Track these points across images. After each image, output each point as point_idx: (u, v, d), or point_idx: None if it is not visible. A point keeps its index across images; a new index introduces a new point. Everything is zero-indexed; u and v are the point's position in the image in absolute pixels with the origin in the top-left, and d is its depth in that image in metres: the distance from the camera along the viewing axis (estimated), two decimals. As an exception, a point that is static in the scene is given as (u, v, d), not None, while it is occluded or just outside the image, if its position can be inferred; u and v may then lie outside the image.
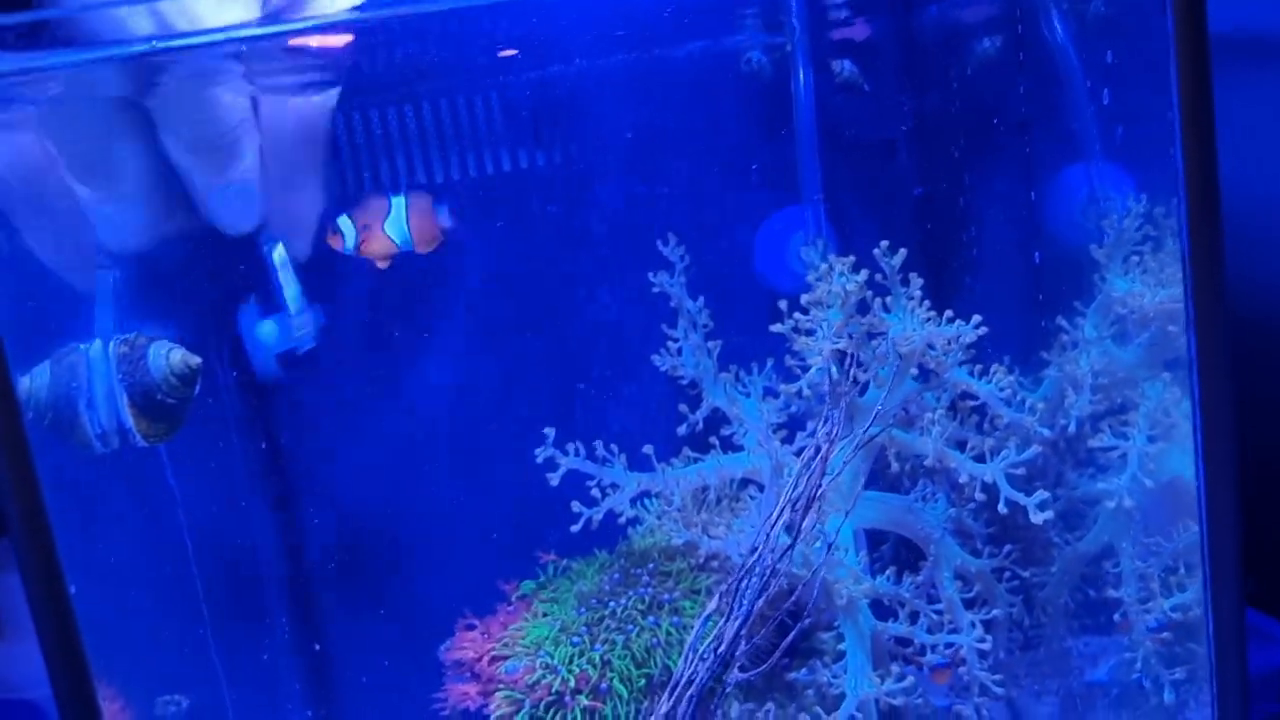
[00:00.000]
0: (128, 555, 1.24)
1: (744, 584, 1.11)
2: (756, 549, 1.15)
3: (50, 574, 0.77)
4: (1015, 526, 1.31)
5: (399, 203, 1.22)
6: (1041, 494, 1.14)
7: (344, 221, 1.22)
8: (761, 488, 1.30)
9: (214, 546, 1.30)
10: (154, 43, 0.82)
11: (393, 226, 1.22)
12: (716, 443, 1.31)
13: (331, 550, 1.46)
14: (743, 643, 1.06)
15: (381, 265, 1.24)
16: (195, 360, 1.01)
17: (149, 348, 1.00)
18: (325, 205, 1.18)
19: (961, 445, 1.23)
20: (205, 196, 1.03)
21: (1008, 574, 1.28)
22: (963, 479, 1.19)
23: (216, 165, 1.02)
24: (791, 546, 1.07)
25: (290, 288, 1.20)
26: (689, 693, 1.09)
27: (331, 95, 1.08)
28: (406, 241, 1.22)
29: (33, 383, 0.97)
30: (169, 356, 1.01)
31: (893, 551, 1.39)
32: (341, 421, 1.43)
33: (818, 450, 1.10)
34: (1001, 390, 1.18)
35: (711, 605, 1.15)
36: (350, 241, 1.22)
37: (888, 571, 1.24)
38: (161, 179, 1.03)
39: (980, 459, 1.20)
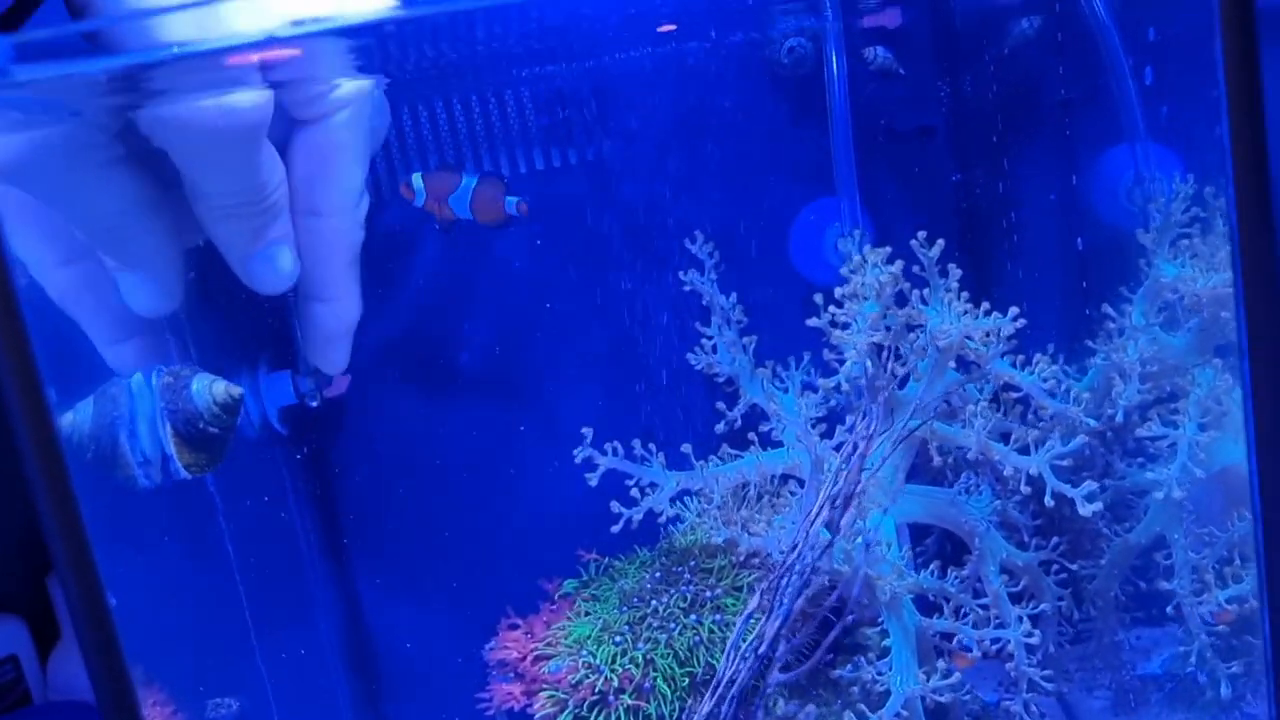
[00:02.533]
0: (175, 563, 1.26)
1: (785, 582, 1.09)
2: (797, 546, 1.14)
3: (90, 587, 0.78)
4: (1062, 518, 1.28)
5: (469, 183, 1.24)
6: (1089, 485, 1.11)
7: (416, 180, 1.24)
8: (802, 484, 1.28)
9: (257, 550, 1.31)
10: (174, 48, 0.81)
11: (457, 203, 1.24)
12: (755, 439, 1.30)
13: (375, 550, 1.46)
14: (783, 642, 1.05)
15: (443, 226, 1.26)
16: (237, 391, 1.02)
17: (192, 379, 1.02)
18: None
19: (1005, 437, 1.21)
20: (243, 260, 1.01)
21: (1055, 567, 1.26)
22: (1007, 471, 1.17)
23: (256, 229, 0.98)
24: (832, 543, 1.06)
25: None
26: (731, 692, 1.08)
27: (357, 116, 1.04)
28: (466, 214, 1.25)
29: (75, 416, 0.98)
30: (212, 387, 1.02)
31: (936, 546, 1.37)
32: (382, 421, 1.44)
33: (856, 445, 1.08)
34: (1045, 381, 1.16)
35: (753, 603, 1.14)
36: (419, 200, 1.25)
37: (932, 566, 1.22)
38: (182, 239, 1.01)
39: (1025, 451, 1.18)
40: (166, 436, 0.98)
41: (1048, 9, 1.31)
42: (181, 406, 0.99)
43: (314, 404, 1.27)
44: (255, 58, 0.86)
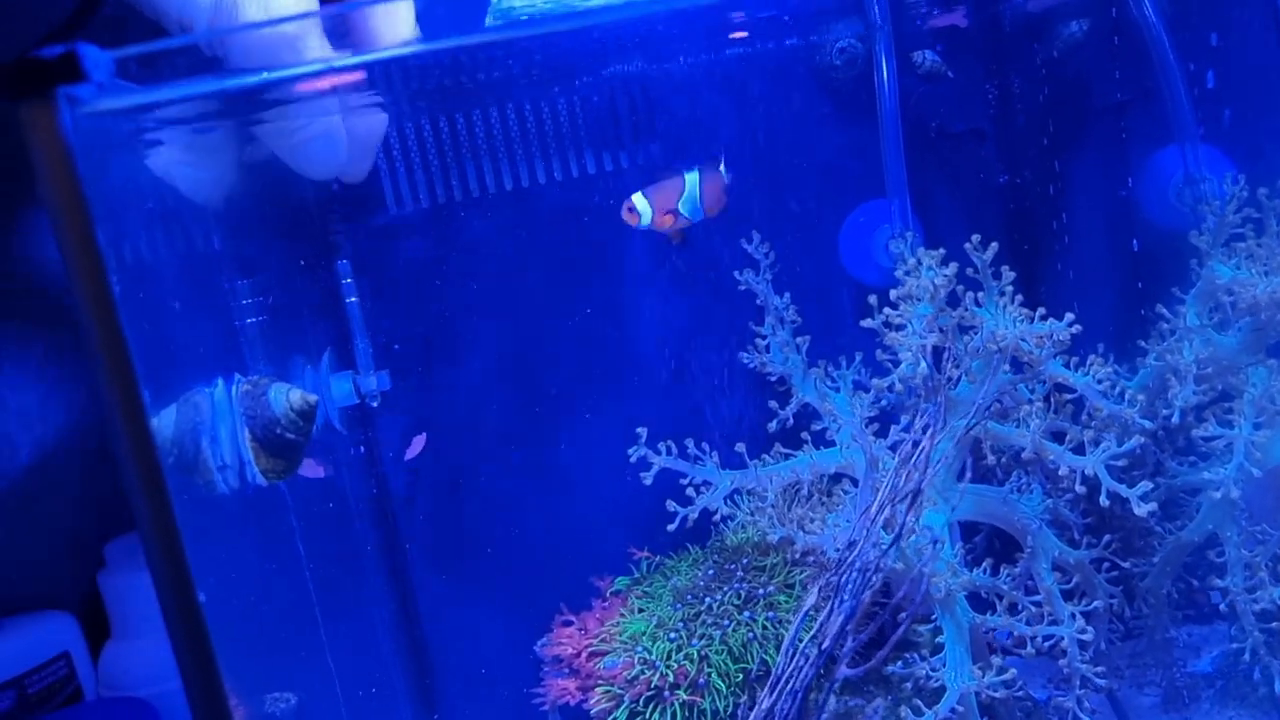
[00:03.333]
0: (237, 558, 1.28)
1: (845, 579, 1.11)
2: (855, 543, 1.15)
3: (183, 584, 0.80)
4: (1113, 516, 1.29)
5: (693, 179, 1.25)
6: (1145, 485, 1.12)
7: (639, 200, 1.25)
8: (855, 482, 1.30)
9: (318, 546, 1.33)
10: (264, 74, 0.84)
11: (687, 204, 1.25)
12: (808, 438, 1.31)
13: (430, 548, 1.49)
14: (849, 638, 1.06)
15: (675, 240, 1.27)
16: (313, 398, 1.05)
17: (270, 387, 1.05)
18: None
19: (1058, 437, 1.22)
20: (290, 144, 1.05)
21: (1107, 564, 1.27)
22: (1062, 471, 1.18)
23: (294, 129, 1.04)
24: (896, 540, 1.07)
25: (365, 347, 1.26)
26: (791, 687, 1.09)
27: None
28: (698, 214, 1.26)
29: (159, 422, 1.00)
30: (289, 395, 1.05)
31: (986, 544, 1.38)
32: (440, 423, 1.46)
33: (916, 444, 1.10)
34: (1099, 382, 1.17)
35: (810, 600, 1.15)
36: (646, 219, 1.25)
37: (985, 564, 1.23)
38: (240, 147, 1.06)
39: (1079, 451, 1.19)
40: (245, 442, 1.01)
41: (1098, 12, 1.32)
42: (260, 413, 1.02)
43: (375, 404, 1.29)
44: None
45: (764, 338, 1.34)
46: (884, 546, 1.09)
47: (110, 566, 1.59)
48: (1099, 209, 1.38)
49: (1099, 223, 1.38)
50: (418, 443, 1.39)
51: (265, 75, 0.81)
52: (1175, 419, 1.18)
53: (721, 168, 1.25)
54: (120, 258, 0.83)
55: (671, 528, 1.29)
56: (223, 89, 0.86)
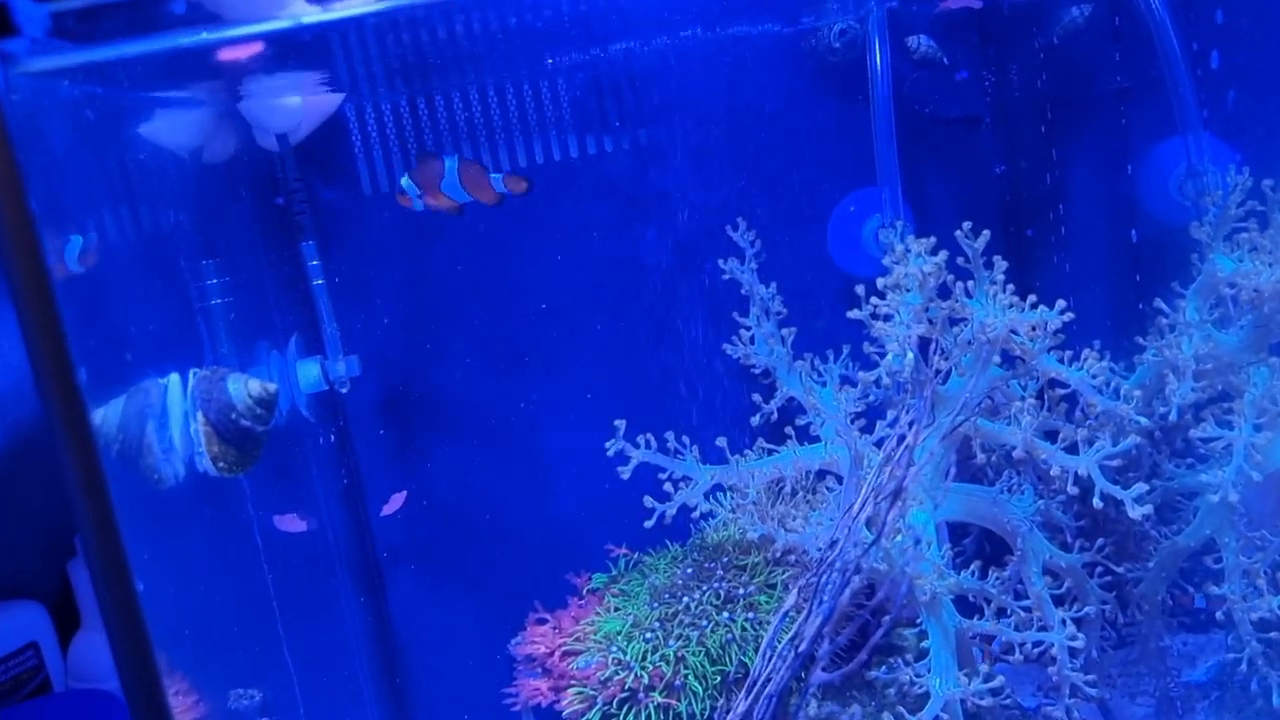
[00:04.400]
0: (200, 552, 1.24)
1: (824, 579, 1.06)
2: (836, 543, 1.11)
3: (119, 574, 0.76)
4: (1107, 519, 1.25)
5: (451, 164, 1.22)
6: (1140, 487, 1.08)
7: (406, 182, 1.23)
8: (839, 480, 1.25)
9: (282, 540, 1.29)
10: (203, 34, 0.80)
11: (448, 186, 1.22)
12: (792, 433, 1.27)
13: (400, 542, 1.45)
14: (826, 641, 1.02)
15: (454, 213, 1.24)
16: (273, 386, 1.01)
17: (228, 375, 1.01)
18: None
19: (1051, 435, 1.18)
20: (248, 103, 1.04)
21: (1099, 569, 1.22)
22: (1054, 471, 1.13)
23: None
24: (876, 540, 1.03)
25: (333, 332, 1.22)
26: (768, 691, 1.05)
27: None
28: (465, 197, 1.23)
29: (106, 411, 0.96)
30: (248, 384, 1.01)
31: (975, 546, 1.34)
32: (412, 416, 1.42)
33: (900, 440, 1.05)
34: (1094, 377, 1.12)
35: (790, 601, 1.11)
36: (417, 202, 1.22)
37: (973, 566, 1.19)
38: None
39: (1072, 450, 1.14)
40: (197, 426, 0.97)
41: (1099, -2, 1.28)
42: (216, 396, 0.98)
43: (344, 390, 1.25)
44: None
45: (748, 329, 1.29)
46: (865, 546, 1.04)
47: (82, 556, 1.54)
48: (1097, 200, 1.34)
49: (1097, 214, 1.34)
50: (396, 500, 1.37)
51: (209, 34, 0.77)
52: (1173, 416, 1.14)
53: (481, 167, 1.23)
54: (64, 231, 0.79)
55: (649, 524, 1.25)
56: (174, 48, 0.81)
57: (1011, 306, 1.10)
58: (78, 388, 0.71)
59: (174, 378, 0.99)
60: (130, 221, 1.04)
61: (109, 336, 0.90)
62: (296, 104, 1.09)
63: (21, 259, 0.72)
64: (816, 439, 1.27)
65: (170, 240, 1.11)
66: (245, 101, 1.04)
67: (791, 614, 1.11)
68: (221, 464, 0.99)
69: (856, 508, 1.05)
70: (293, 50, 0.97)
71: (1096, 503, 1.10)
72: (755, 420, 1.29)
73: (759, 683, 1.08)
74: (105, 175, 0.99)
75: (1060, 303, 1.08)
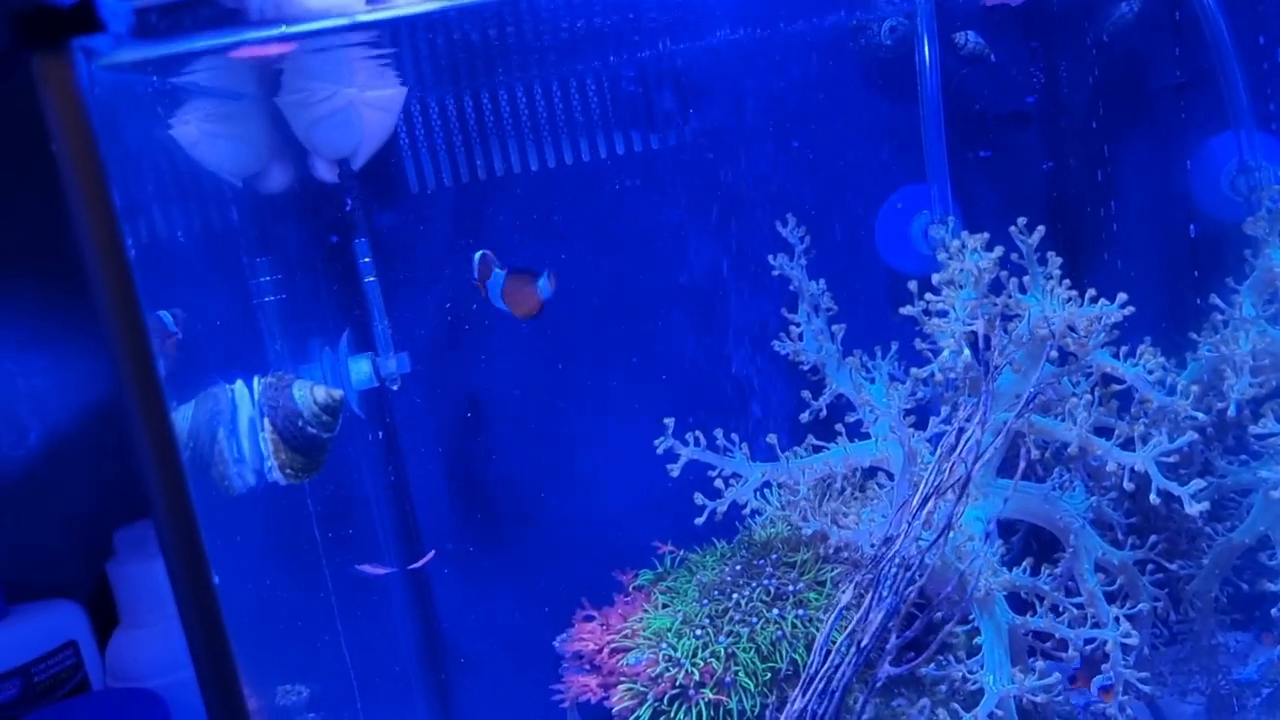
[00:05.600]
0: (251, 546, 1.24)
1: (882, 574, 1.06)
2: (893, 539, 1.10)
3: (198, 570, 0.76)
4: (1158, 516, 1.24)
5: (499, 276, 1.22)
6: (1197, 483, 1.07)
7: (477, 257, 1.22)
8: (890, 476, 1.25)
9: (335, 535, 1.30)
10: (283, 27, 0.80)
11: (492, 291, 1.22)
12: (842, 430, 1.27)
13: (448, 538, 1.45)
14: (893, 636, 1.01)
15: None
16: (339, 393, 1.02)
17: (294, 382, 1.02)
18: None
19: (1102, 431, 1.17)
20: (307, 118, 1.03)
21: (1151, 566, 1.22)
22: (1110, 468, 1.13)
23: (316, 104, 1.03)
24: (945, 532, 1.02)
25: (385, 329, 1.22)
26: (827, 687, 1.05)
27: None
28: (503, 307, 1.23)
29: (175, 416, 0.96)
30: (313, 390, 1.02)
31: (1023, 543, 1.33)
32: (457, 408, 1.42)
33: (960, 435, 1.05)
34: (1150, 373, 1.12)
35: (845, 597, 1.10)
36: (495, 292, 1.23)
37: (1025, 563, 1.18)
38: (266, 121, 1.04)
39: (1127, 446, 1.14)
40: (265, 435, 0.97)
41: (1150, -10, 1.27)
42: (282, 404, 0.98)
43: (395, 387, 1.25)
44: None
45: (797, 325, 1.29)
46: (925, 542, 1.04)
47: (120, 555, 1.55)
48: (1148, 196, 1.33)
49: (1148, 211, 1.33)
50: (425, 558, 1.38)
51: (286, 29, 0.77)
52: (1232, 411, 1.13)
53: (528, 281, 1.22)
54: (136, 230, 0.79)
55: (699, 521, 1.25)
56: (242, 40, 0.82)
57: (1070, 300, 1.10)
58: (158, 384, 0.71)
59: (240, 385, 1.00)
60: (194, 217, 1.04)
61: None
62: (356, 127, 1.09)
63: (104, 253, 0.72)
64: (866, 436, 1.27)
65: (229, 237, 1.12)
66: (308, 128, 1.05)
67: (846, 611, 1.11)
68: (289, 471, 0.99)
69: (916, 503, 1.04)
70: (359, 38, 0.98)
71: (1154, 499, 1.09)
72: (804, 417, 1.29)
73: (816, 679, 1.08)
74: (173, 168, 0.99)
75: (1121, 296, 1.07)
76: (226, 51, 0.85)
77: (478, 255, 1.22)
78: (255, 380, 1.01)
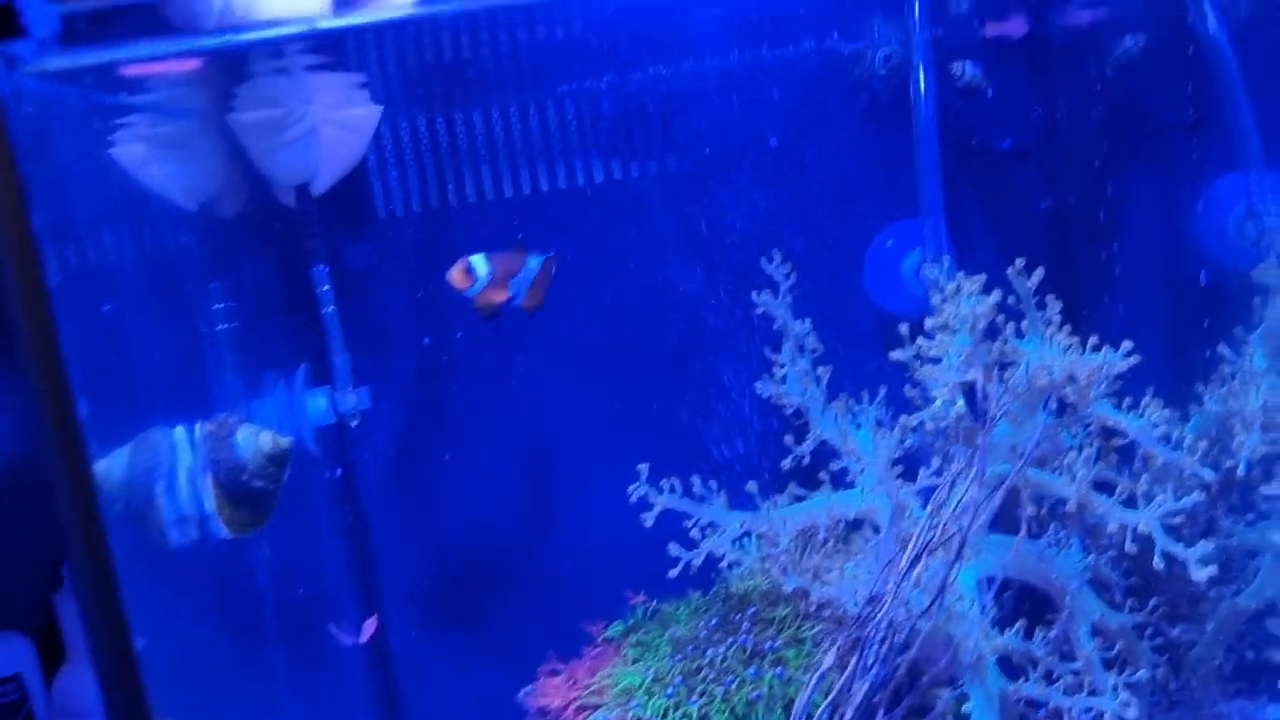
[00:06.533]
0: (200, 598, 1.17)
1: (866, 637, 0.99)
2: (879, 598, 1.03)
3: (116, 634, 0.69)
4: (1158, 577, 1.17)
5: (535, 262, 1.13)
6: (1205, 546, 1.01)
7: (479, 261, 1.12)
8: (876, 529, 1.18)
9: (287, 583, 1.22)
10: (227, 36, 0.74)
11: (520, 282, 1.13)
12: (826, 478, 1.20)
13: (407, 585, 1.37)
14: (880, 712, 0.94)
15: (484, 314, 1.15)
16: (286, 441, 0.94)
17: (238, 429, 0.94)
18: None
19: (1102, 486, 1.11)
20: (267, 145, 0.98)
21: (1150, 630, 1.15)
22: (1111, 527, 1.06)
23: (277, 128, 0.96)
24: (937, 600, 0.95)
25: (344, 362, 1.15)
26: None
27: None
28: (520, 297, 1.14)
29: (111, 463, 0.89)
30: (259, 438, 0.94)
31: (1014, 601, 1.26)
32: (420, 454, 1.35)
33: (951, 489, 0.98)
34: (1155, 427, 1.05)
35: (828, 660, 1.03)
36: (479, 285, 1.13)
37: (1017, 625, 1.11)
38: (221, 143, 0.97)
39: (1129, 503, 1.07)
40: (207, 490, 0.89)
41: (1157, 27, 1.22)
42: (225, 456, 0.91)
43: (354, 424, 1.18)
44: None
45: (781, 366, 1.22)
46: (914, 605, 0.97)
47: (70, 588, 1.48)
48: (1149, 239, 1.28)
49: (1149, 253, 1.28)
50: (369, 626, 1.30)
51: (233, 37, 0.70)
52: (1241, 470, 1.07)
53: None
54: (63, 255, 0.72)
55: (674, 574, 1.17)
56: (192, 49, 0.75)
57: (1070, 349, 1.03)
58: (77, 425, 0.64)
59: (181, 432, 0.92)
60: (136, 240, 0.97)
61: (112, 369, 0.84)
62: (314, 154, 1.02)
63: (20, 280, 0.65)
64: (851, 485, 1.20)
65: (176, 262, 1.05)
66: (265, 155, 0.98)
67: (828, 674, 1.04)
68: (234, 526, 0.92)
69: (904, 564, 0.97)
70: (319, 52, 0.91)
71: (1157, 563, 1.03)
72: (786, 463, 1.22)
73: (795, 751, 1.00)
74: (109, 188, 0.92)
75: (1126, 344, 1.01)
76: (165, 61, 0.78)
77: (478, 259, 1.12)
78: (197, 427, 0.93)
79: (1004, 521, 1.18)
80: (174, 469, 0.88)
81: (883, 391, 1.22)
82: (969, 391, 1.10)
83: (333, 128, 1.10)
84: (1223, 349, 1.13)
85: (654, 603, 1.30)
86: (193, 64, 0.83)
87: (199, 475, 0.90)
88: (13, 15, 0.64)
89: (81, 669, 1.48)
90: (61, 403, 0.68)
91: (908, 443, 1.18)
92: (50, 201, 0.65)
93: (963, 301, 1.07)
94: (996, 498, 1.04)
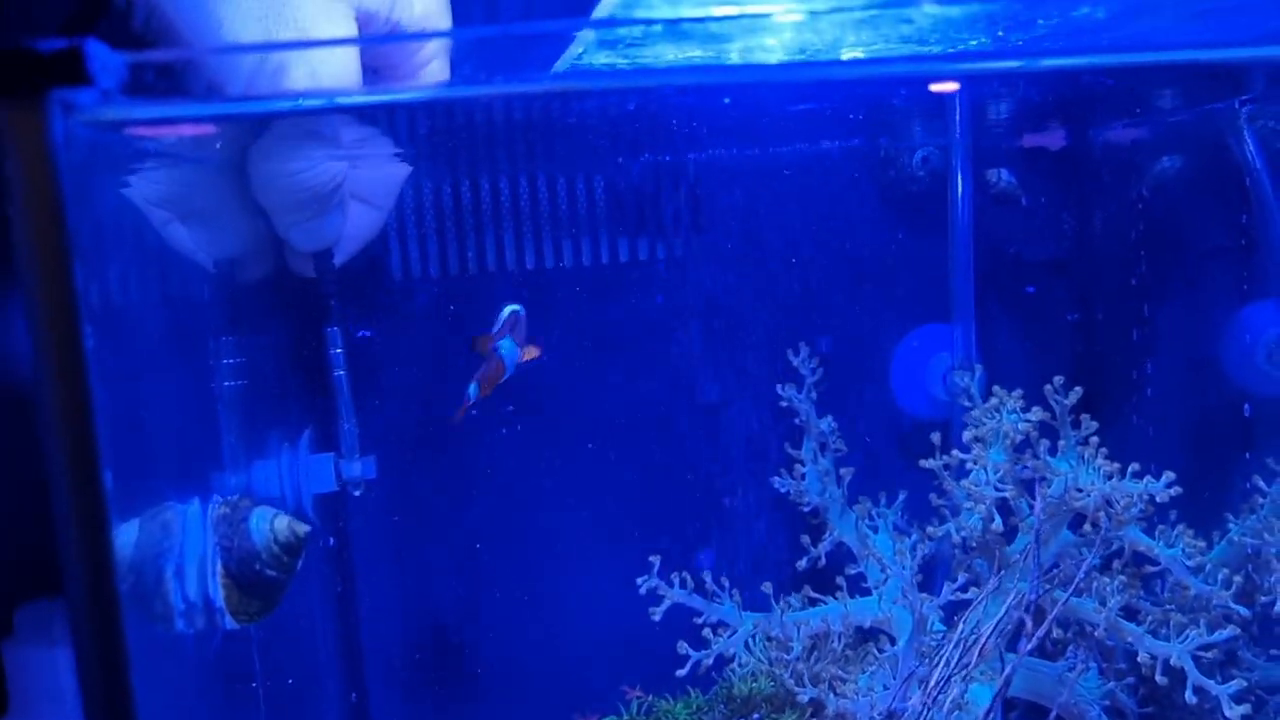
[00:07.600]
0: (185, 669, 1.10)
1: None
2: (897, 716, 1.00)
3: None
4: (1172, 706, 1.15)
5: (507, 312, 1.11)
6: (1239, 683, 0.98)
7: (506, 344, 1.10)
8: (891, 640, 1.14)
9: (275, 661, 1.15)
10: (300, 100, 0.70)
11: (508, 354, 1.10)
12: (843, 583, 1.16)
13: (394, 669, 1.31)
14: None
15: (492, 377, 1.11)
16: (302, 529, 0.89)
17: (251, 513, 0.88)
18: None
19: (1128, 613, 1.09)
20: (289, 220, 0.97)
21: (1164, 763, 1.12)
22: (1141, 658, 1.03)
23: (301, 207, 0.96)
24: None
25: (352, 428, 1.10)
26: None
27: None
28: (515, 357, 1.11)
29: (119, 538, 0.83)
30: (273, 524, 0.88)
31: (1021, 722, 1.23)
32: (417, 529, 1.29)
33: (985, 604, 0.95)
34: (1189, 558, 1.03)
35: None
36: (509, 358, 1.10)
37: (1034, 753, 1.08)
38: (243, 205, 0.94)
39: (1156, 632, 1.05)
40: (216, 580, 0.84)
41: (1195, 149, 1.22)
42: (237, 544, 0.85)
43: (358, 493, 1.12)
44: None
45: (801, 463, 1.19)
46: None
47: (19, 634, 1.40)
48: (1176, 361, 1.27)
49: (1176, 376, 1.27)
50: None
51: (280, 103, 0.67)
52: (1279, 608, 1.05)
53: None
54: (91, 308, 0.67)
55: (682, 673, 1.13)
56: (242, 112, 0.71)
57: (1111, 476, 1.01)
58: (105, 512, 0.59)
59: (193, 507, 0.87)
60: (162, 294, 0.92)
61: (129, 433, 0.78)
62: (336, 225, 0.99)
63: (58, 345, 0.60)
64: (867, 591, 1.17)
65: (195, 315, 1.00)
66: (289, 227, 0.95)
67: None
68: (243, 617, 0.86)
69: (933, 685, 0.94)
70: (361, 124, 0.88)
71: (1189, 697, 1.00)
72: (801, 564, 1.19)
73: None
74: (142, 240, 0.87)
75: (1168, 475, 0.99)
76: (227, 120, 0.74)
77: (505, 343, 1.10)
78: (211, 506, 0.88)
79: (1017, 640, 1.15)
80: (184, 554, 0.83)
81: (901, 497, 1.19)
82: (1002, 508, 1.08)
83: (355, 201, 1.06)
84: (1257, 480, 1.12)
85: (649, 698, 1.25)
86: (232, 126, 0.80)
87: (210, 564, 0.84)
88: (79, 61, 0.60)
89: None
90: (89, 479, 0.63)
91: (924, 549, 1.15)
92: (89, 254, 0.61)
93: (1004, 416, 1.05)
94: (1029, 620, 1.01)
